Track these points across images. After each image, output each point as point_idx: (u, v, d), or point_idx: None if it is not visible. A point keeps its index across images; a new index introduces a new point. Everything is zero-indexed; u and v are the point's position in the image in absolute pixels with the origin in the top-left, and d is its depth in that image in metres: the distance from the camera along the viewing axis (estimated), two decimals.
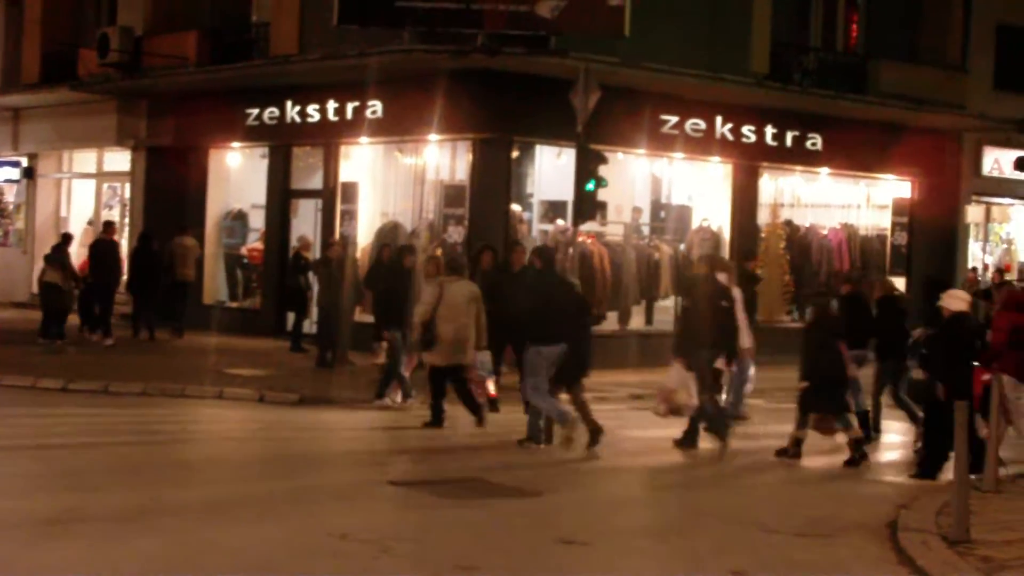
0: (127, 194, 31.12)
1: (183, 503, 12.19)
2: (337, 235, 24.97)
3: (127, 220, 30.69)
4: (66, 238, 26.00)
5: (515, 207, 24.39)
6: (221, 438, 16.81)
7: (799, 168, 28.27)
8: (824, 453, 16.26)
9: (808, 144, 27.75)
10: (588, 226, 22.96)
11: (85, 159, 33.10)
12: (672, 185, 27.32)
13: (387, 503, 12.70)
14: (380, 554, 10.57)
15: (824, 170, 28.50)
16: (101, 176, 32.65)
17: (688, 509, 13.08)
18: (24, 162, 33.97)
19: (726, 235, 26.96)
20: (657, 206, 27.25)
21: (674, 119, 25.72)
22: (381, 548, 10.73)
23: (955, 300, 15.25)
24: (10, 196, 35.29)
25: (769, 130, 27.13)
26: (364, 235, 25.36)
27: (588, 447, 15.85)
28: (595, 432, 15.89)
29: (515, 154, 24.41)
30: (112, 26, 29.51)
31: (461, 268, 18.05)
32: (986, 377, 14.47)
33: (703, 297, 16.44)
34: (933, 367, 15.07)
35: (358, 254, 24.69)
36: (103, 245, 25.32)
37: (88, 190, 33.20)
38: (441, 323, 16.80)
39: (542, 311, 16.04)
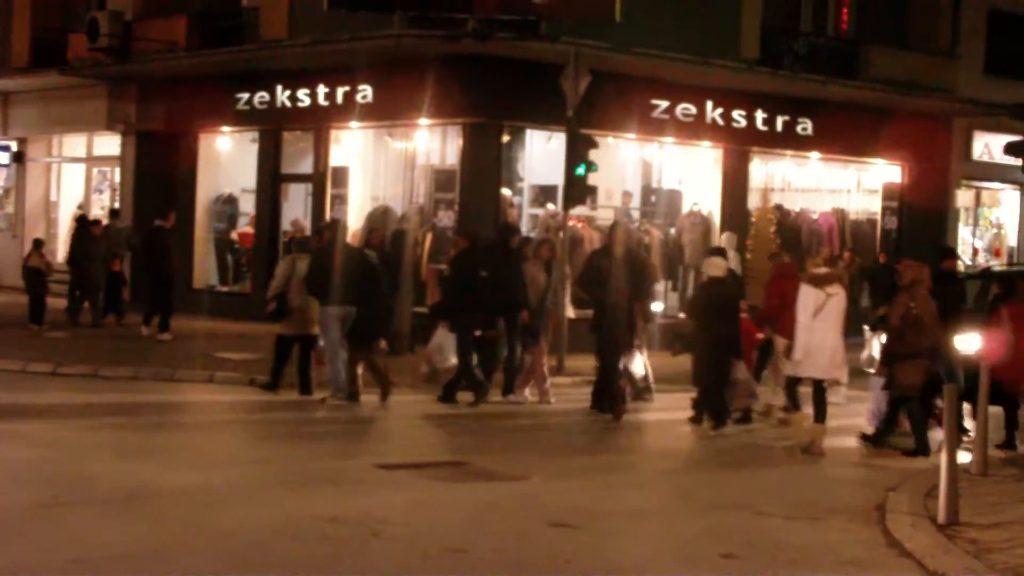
0: (117, 178, 31.06)
1: (172, 487, 12.17)
2: (328, 219, 24.94)
3: (117, 204, 30.61)
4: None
5: (505, 192, 24.40)
6: (210, 422, 16.80)
7: (789, 152, 28.29)
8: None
9: (798, 129, 27.76)
10: (578, 210, 23.01)
11: (75, 143, 33.06)
12: (662, 170, 27.33)
13: (376, 487, 12.66)
14: (370, 537, 10.56)
15: (814, 155, 28.52)
16: (91, 160, 32.62)
17: (677, 492, 13.10)
18: (14, 146, 33.88)
19: (716, 219, 26.96)
20: (647, 191, 27.28)
21: (664, 104, 25.72)
22: (371, 531, 10.72)
23: (714, 267, 17.13)
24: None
25: (759, 115, 27.14)
26: (355, 219, 25.34)
27: (380, 401, 17.80)
28: (385, 387, 17.84)
29: (505, 139, 24.41)
30: (102, 10, 29.45)
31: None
32: (759, 336, 17.73)
33: (459, 267, 18.87)
34: (699, 324, 16.96)
35: (348, 238, 24.59)
36: (155, 234, 24.65)
37: (78, 175, 33.15)
38: (293, 296, 18.15)
39: (331, 277, 17.83)
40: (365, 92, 25.12)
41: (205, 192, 28.88)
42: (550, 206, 24.54)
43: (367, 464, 13.61)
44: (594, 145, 21.70)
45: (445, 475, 13.44)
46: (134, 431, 15.14)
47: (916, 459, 15.12)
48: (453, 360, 18.58)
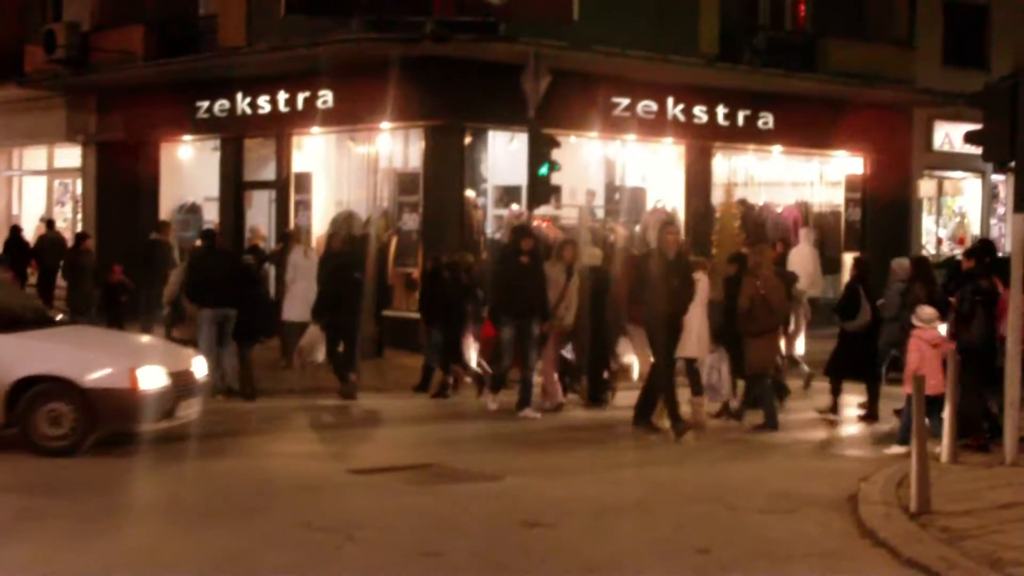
0: (79, 190, 30.90)
1: (142, 501, 12.15)
2: (292, 225, 24.89)
3: (79, 216, 30.46)
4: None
5: (469, 193, 24.38)
6: (178, 434, 16.62)
7: (752, 147, 28.34)
8: (787, 429, 16.36)
9: (760, 123, 27.81)
10: (543, 210, 22.99)
11: (35, 156, 32.84)
12: (625, 167, 27.34)
13: (349, 491, 12.67)
14: (344, 542, 10.57)
15: (777, 148, 28.59)
16: (52, 173, 32.40)
17: (650, 487, 13.10)
18: None
19: (681, 216, 27.00)
20: (611, 188, 27.28)
21: (626, 101, 25.73)
22: (345, 536, 10.74)
23: (591, 257, 18.65)
24: None
25: (721, 110, 27.18)
26: (319, 224, 25.28)
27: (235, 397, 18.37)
28: (248, 389, 18.53)
29: (468, 140, 24.39)
30: (58, 22, 29.25)
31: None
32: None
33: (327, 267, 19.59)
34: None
35: (313, 243, 24.58)
36: (152, 248, 24.54)
37: (39, 187, 32.95)
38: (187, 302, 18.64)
39: (207, 279, 18.40)
40: (326, 97, 25.04)
41: (168, 202, 28.72)
42: (514, 207, 24.52)
43: (339, 468, 13.59)
44: (556, 144, 21.70)
45: (418, 477, 13.45)
46: (92, 449, 15.00)
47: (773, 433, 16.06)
48: (321, 357, 19.09)
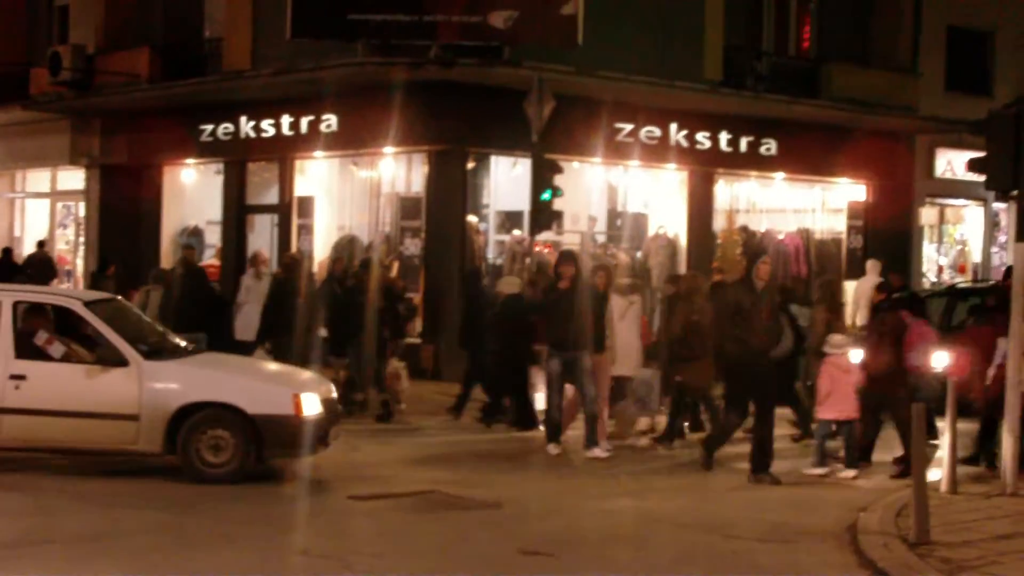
0: (81, 213, 30.94)
1: (142, 526, 12.12)
2: (294, 249, 24.90)
3: (82, 239, 30.51)
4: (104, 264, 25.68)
5: (472, 218, 24.40)
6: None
7: (754, 173, 28.35)
8: (783, 458, 16.33)
9: (763, 149, 27.82)
10: (545, 235, 23.02)
11: (39, 178, 32.88)
12: (628, 193, 27.35)
13: (348, 518, 12.66)
14: (343, 570, 10.57)
15: (779, 175, 28.59)
16: (55, 195, 32.44)
17: (648, 517, 13.08)
18: None
19: (683, 242, 27.02)
20: (613, 214, 27.30)
21: (629, 127, 25.76)
22: (343, 564, 10.73)
23: (508, 285, 18.66)
24: None
25: (724, 136, 27.19)
26: (321, 249, 25.30)
27: None
28: None
29: (471, 165, 24.42)
30: (64, 44, 29.33)
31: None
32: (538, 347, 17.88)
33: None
34: (491, 340, 18.27)
35: (315, 268, 24.60)
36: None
37: (42, 209, 32.99)
38: None
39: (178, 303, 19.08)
40: (329, 121, 25.09)
41: (170, 225, 28.75)
42: (516, 232, 24.55)
43: (338, 495, 13.57)
44: (559, 170, 21.72)
45: (417, 504, 13.43)
46: (94, 472, 14.97)
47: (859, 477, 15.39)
48: None
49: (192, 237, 28.09)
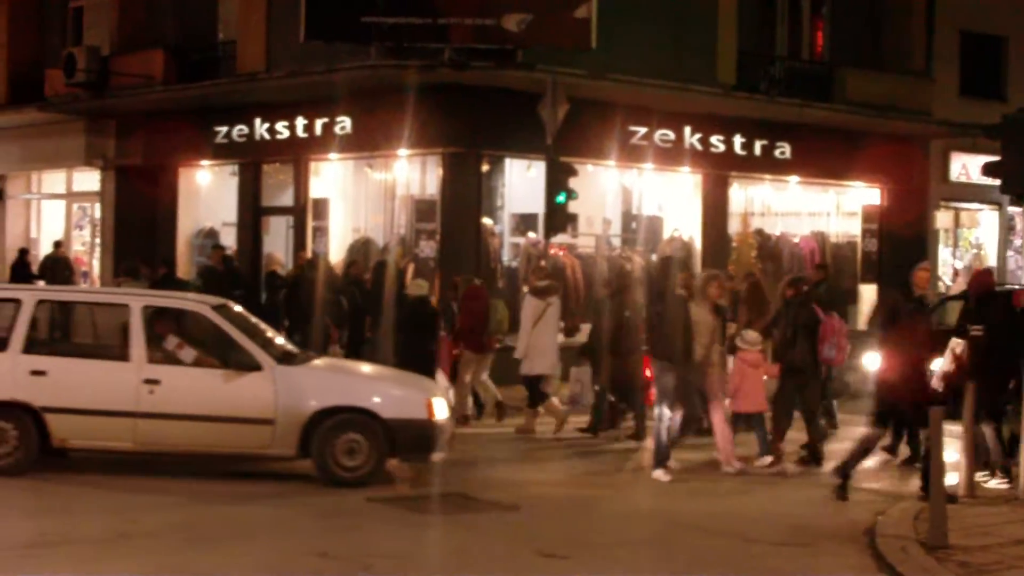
0: (97, 214, 30.98)
1: (162, 526, 12.15)
2: (308, 251, 24.96)
3: (98, 240, 30.55)
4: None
5: (486, 221, 24.40)
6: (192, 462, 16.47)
7: (768, 177, 28.33)
8: (802, 462, 16.31)
9: (777, 153, 27.82)
10: (560, 238, 23.02)
11: (54, 179, 32.93)
12: (642, 196, 27.32)
13: (366, 520, 12.65)
14: (361, 572, 10.59)
15: (793, 178, 28.58)
16: (71, 196, 32.48)
17: (666, 520, 13.08)
18: None
19: (698, 245, 27.02)
20: (628, 217, 27.28)
21: (643, 130, 25.75)
22: (362, 565, 10.77)
23: (415, 287, 18.85)
24: None
25: (738, 139, 27.18)
26: (336, 251, 25.30)
27: None
28: None
29: (485, 168, 24.41)
30: (78, 46, 29.36)
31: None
32: (455, 351, 18.84)
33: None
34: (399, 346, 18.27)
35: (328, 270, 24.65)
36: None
37: (58, 211, 33.04)
38: None
39: None
40: (343, 123, 25.10)
41: (186, 226, 28.77)
42: (531, 235, 24.56)
43: (356, 497, 13.56)
44: (574, 173, 21.72)
45: (435, 507, 13.49)
46: (113, 471, 15.00)
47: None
48: None
49: (207, 239, 28.09)
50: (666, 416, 15.30)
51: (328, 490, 13.96)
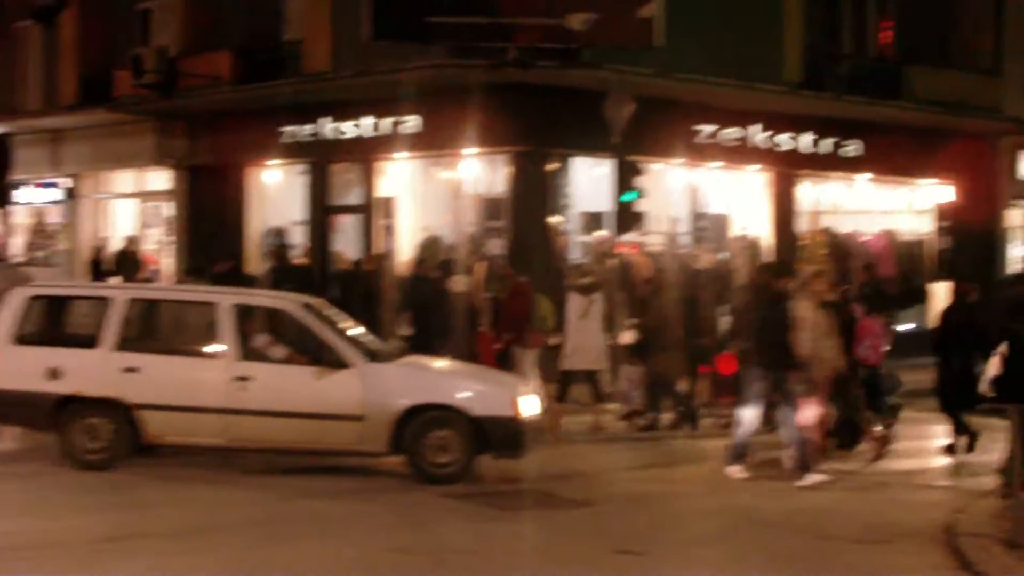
0: (167, 213, 31.22)
1: (241, 521, 12.26)
2: (376, 250, 25.05)
3: (169, 239, 30.79)
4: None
5: (554, 219, 24.36)
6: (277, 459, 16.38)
7: (838, 174, 28.17)
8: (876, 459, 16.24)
9: (846, 150, 27.66)
10: (628, 236, 22.98)
11: (125, 179, 33.20)
12: (709, 194, 27.19)
13: (444, 516, 12.74)
14: (438, 567, 10.65)
15: (863, 176, 28.41)
16: (141, 196, 32.71)
17: (742, 517, 13.04)
18: (63, 183, 34.13)
19: (766, 243, 26.91)
20: (695, 216, 27.15)
21: (709, 128, 25.67)
22: (439, 561, 10.82)
23: (457, 284, 20.15)
24: (51, 217, 35.49)
25: (806, 137, 27.06)
26: (405, 250, 25.36)
27: None
28: None
29: (552, 166, 24.37)
30: (146, 47, 29.57)
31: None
32: (497, 346, 18.67)
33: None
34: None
35: (398, 268, 24.73)
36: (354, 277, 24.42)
37: (128, 210, 33.32)
38: None
39: None
40: (410, 123, 25.12)
41: (256, 225, 28.89)
42: (600, 233, 24.51)
43: (435, 494, 13.64)
44: (641, 171, 21.73)
45: (511, 503, 13.51)
46: (192, 465, 15.10)
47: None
48: None
49: (277, 237, 28.22)
50: (749, 417, 15.18)
51: (407, 486, 14.06)
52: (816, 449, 15.17)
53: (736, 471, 15.14)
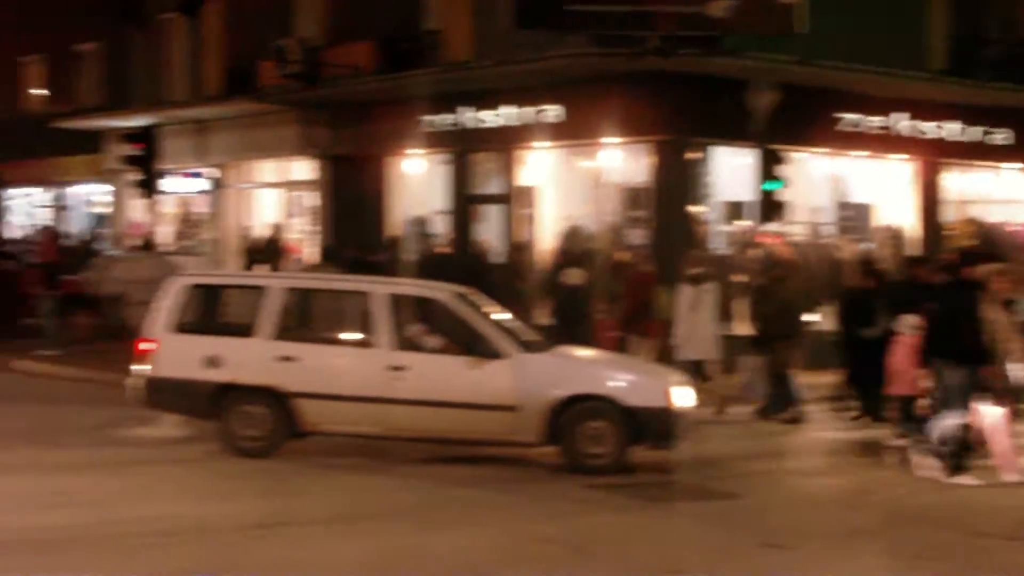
0: (310, 202, 31.63)
1: (388, 508, 12.43)
2: (517, 239, 25.17)
3: (313, 228, 31.19)
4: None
5: (696, 208, 24.26)
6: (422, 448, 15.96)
7: (986, 163, 27.66)
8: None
9: (995, 138, 27.16)
10: (771, 226, 22.81)
11: (268, 169, 33.69)
12: (853, 183, 26.88)
13: (589, 506, 12.75)
14: (583, 557, 10.68)
15: (1014, 165, 27.85)
16: (284, 185, 33.18)
17: (890, 512, 12.90)
18: (209, 173, 34.74)
19: (911, 233, 26.52)
20: (838, 205, 26.83)
21: (853, 117, 25.38)
22: (583, 551, 10.86)
23: (572, 276, 20.22)
24: (196, 207, 36.14)
25: (953, 125, 26.61)
26: (546, 239, 25.41)
27: None
28: None
29: (694, 155, 24.26)
30: (290, 38, 29.94)
31: None
32: (613, 334, 19.51)
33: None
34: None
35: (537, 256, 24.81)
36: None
37: (271, 199, 33.80)
38: None
39: None
40: (550, 112, 25.18)
41: (398, 214, 29.15)
42: (742, 223, 24.36)
43: (579, 484, 13.67)
44: (784, 160, 21.54)
45: (656, 493, 13.53)
46: (338, 454, 15.31)
47: None
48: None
49: (419, 226, 28.46)
50: (952, 420, 14.46)
51: (552, 476, 14.15)
52: (1012, 449, 14.54)
53: (967, 479, 14.29)
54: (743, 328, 19.70)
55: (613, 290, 20.83)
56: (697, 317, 18.80)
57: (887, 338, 16.33)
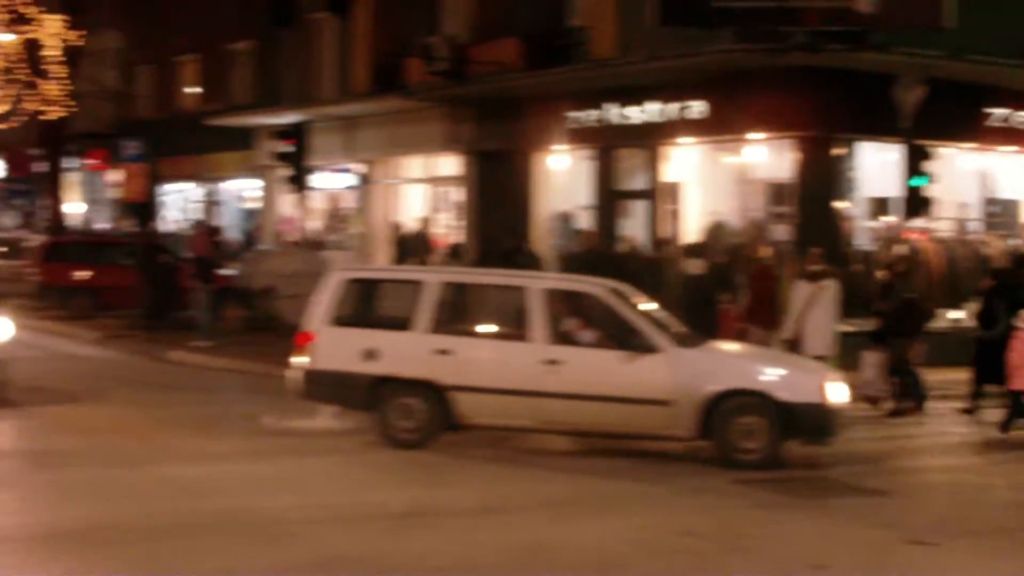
0: (456, 197, 32.01)
1: (530, 500, 12.65)
2: (662, 235, 25.28)
3: (458, 223, 31.59)
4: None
5: (841, 204, 24.18)
6: (572, 442, 16.13)
7: None
8: None
9: None
10: (916, 222, 22.68)
11: (415, 164, 34.12)
12: (1001, 179, 26.54)
13: (731, 500, 12.84)
14: (727, 551, 10.76)
15: None
16: (431, 181, 33.58)
17: None
18: (357, 168, 35.31)
19: None
20: (985, 201, 26.53)
21: (1001, 112, 25.09)
22: (727, 545, 10.92)
23: (693, 267, 20.17)
24: (344, 202, 36.73)
25: None
26: (692, 234, 25.47)
27: None
28: None
29: (840, 151, 24.18)
30: (436, 35, 30.35)
31: None
32: (738, 325, 19.57)
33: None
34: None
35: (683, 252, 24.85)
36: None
37: (418, 194, 34.24)
38: None
39: None
40: (695, 108, 25.23)
41: (542, 209, 29.40)
42: (887, 219, 24.22)
43: (724, 479, 13.79)
44: (930, 156, 21.41)
45: (803, 489, 13.53)
46: (483, 447, 15.64)
47: None
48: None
49: (563, 222, 28.71)
50: None
51: (699, 470, 14.23)
52: None
53: None
54: (867, 324, 19.68)
55: (735, 282, 20.90)
56: (814, 313, 18.68)
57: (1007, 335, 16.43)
